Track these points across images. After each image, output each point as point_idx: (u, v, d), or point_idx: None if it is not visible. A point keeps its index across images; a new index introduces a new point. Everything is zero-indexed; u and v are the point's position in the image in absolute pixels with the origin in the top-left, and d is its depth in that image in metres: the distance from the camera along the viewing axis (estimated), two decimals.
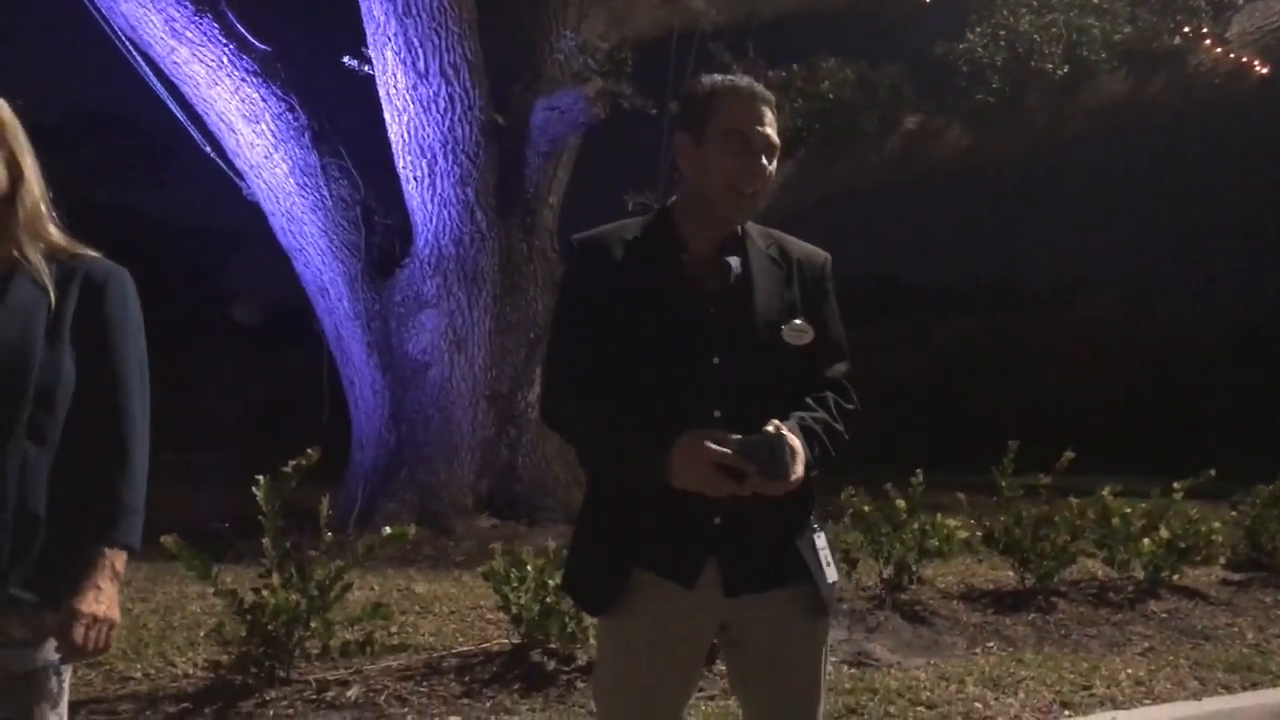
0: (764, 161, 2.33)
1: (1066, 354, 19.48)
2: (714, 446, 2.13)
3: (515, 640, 4.91)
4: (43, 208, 2.14)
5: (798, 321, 2.37)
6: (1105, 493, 6.43)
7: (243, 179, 9.09)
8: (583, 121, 8.71)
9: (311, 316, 9.62)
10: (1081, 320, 20.76)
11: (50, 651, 2.09)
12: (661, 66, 9.97)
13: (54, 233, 2.15)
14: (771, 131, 2.34)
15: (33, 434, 2.04)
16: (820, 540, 2.39)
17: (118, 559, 2.12)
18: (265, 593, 4.32)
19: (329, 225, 8.89)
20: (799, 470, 2.18)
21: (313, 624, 4.40)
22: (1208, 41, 9.88)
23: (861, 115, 10.00)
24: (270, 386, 17.81)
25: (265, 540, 4.48)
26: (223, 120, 8.74)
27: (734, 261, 2.38)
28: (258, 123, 8.62)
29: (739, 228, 2.41)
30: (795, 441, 2.18)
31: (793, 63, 10.16)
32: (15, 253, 2.08)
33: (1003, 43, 9.74)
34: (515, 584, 4.85)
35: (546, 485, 8.96)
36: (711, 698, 4.48)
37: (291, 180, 8.79)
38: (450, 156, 8.49)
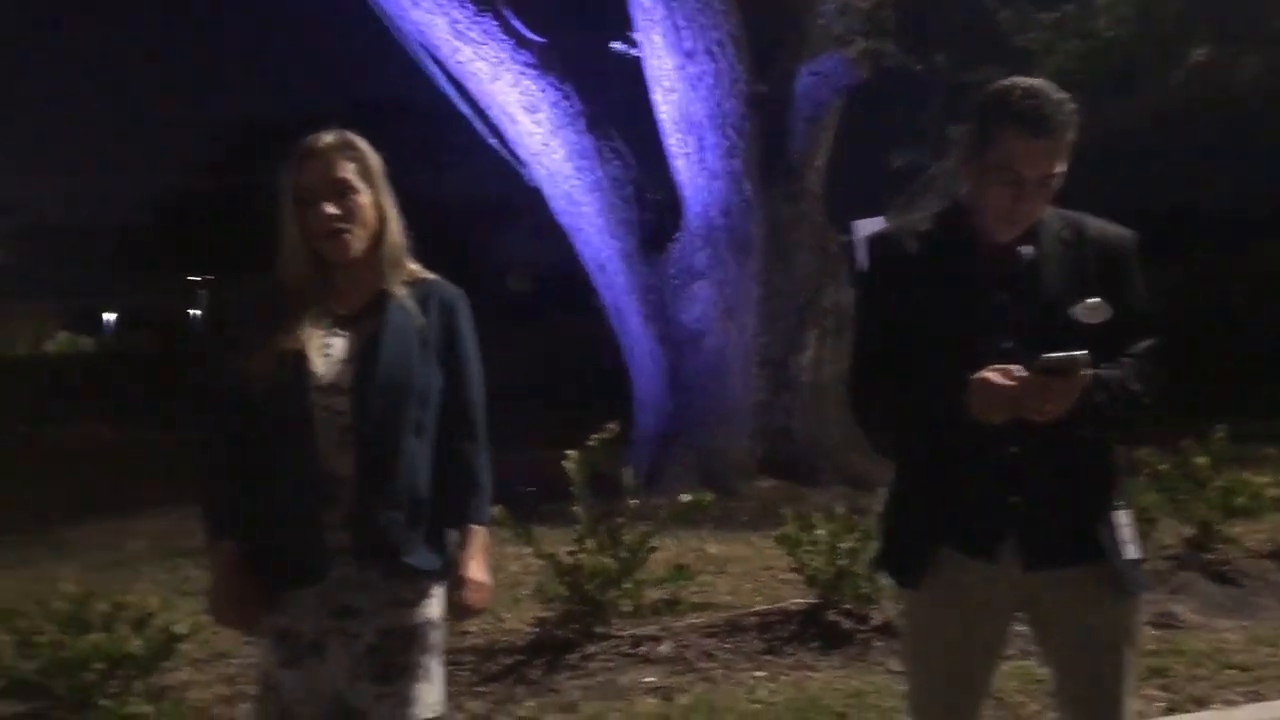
0: (1036, 198, 2.36)
1: None
2: (994, 378, 2.22)
3: (810, 600, 5.12)
4: (401, 242, 2.48)
5: (1092, 300, 2.40)
6: None
7: (525, 166, 9.65)
8: (846, 84, 8.75)
9: (591, 290, 10.13)
10: None
11: (430, 610, 2.46)
12: (924, 18, 9.82)
13: (410, 263, 2.51)
14: (1051, 166, 2.32)
15: (416, 431, 2.41)
16: (1123, 518, 2.43)
17: (483, 533, 2.48)
18: (582, 556, 4.72)
19: (604, 205, 9.32)
20: (1069, 398, 2.21)
21: (625, 584, 4.78)
22: None
23: (1142, 52, 9.47)
24: (551, 353, 18.70)
25: (578, 508, 4.90)
26: (504, 112, 9.31)
27: (1025, 249, 2.44)
28: (536, 112, 9.13)
29: None
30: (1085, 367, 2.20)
31: (1064, 1, 9.73)
32: (383, 284, 2.44)
33: None
34: (808, 547, 5.06)
35: (823, 448, 9.11)
36: (1008, 658, 4.53)
37: (569, 164, 9.26)
38: (717, 131, 8.72)
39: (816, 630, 4.91)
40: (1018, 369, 2.25)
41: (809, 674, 4.52)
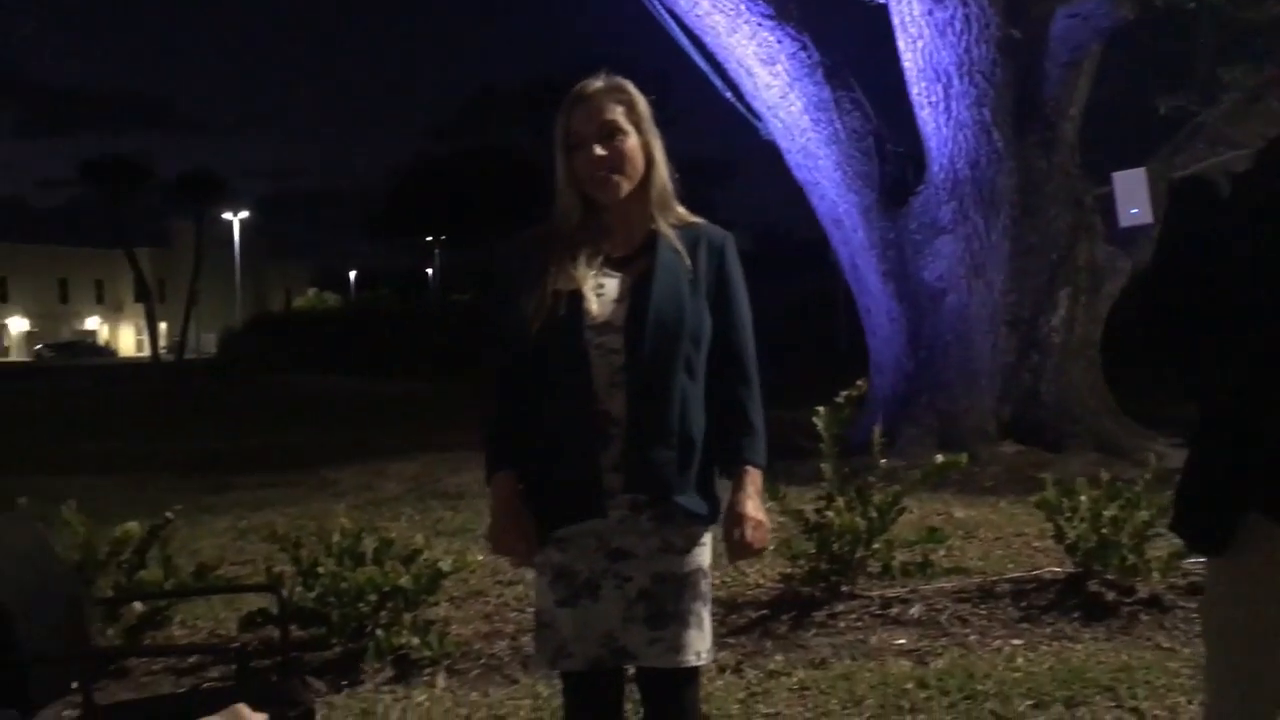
0: None
1: None
2: None
3: (1069, 569, 4.87)
4: (669, 186, 2.45)
5: None
6: None
7: (760, 119, 9.54)
8: (1108, 25, 8.20)
9: (825, 246, 9.95)
10: None
11: (701, 558, 2.44)
12: None
13: (678, 207, 2.47)
14: None
15: (688, 371, 2.39)
16: None
17: (758, 475, 2.44)
18: (830, 514, 4.64)
19: (842, 158, 9.10)
20: None
21: (875, 545, 4.67)
22: None
23: None
24: (774, 312, 18.61)
25: (824, 465, 4.82)
26: (741, 65, 9.20)
27: None
28: (774, 64, 8.98)
29: None
30: None
31: None
32: (653, 226, 2.42)
33: None
34: (1068, 514, 4.81)
35: (1073, 412, 8.67)
36: None
37: (806, 116, 9.08)
38: (966, 78, 8.35)
39: (1077, 600, 4.68)
40: None
41: (1070, 645, 4.30)
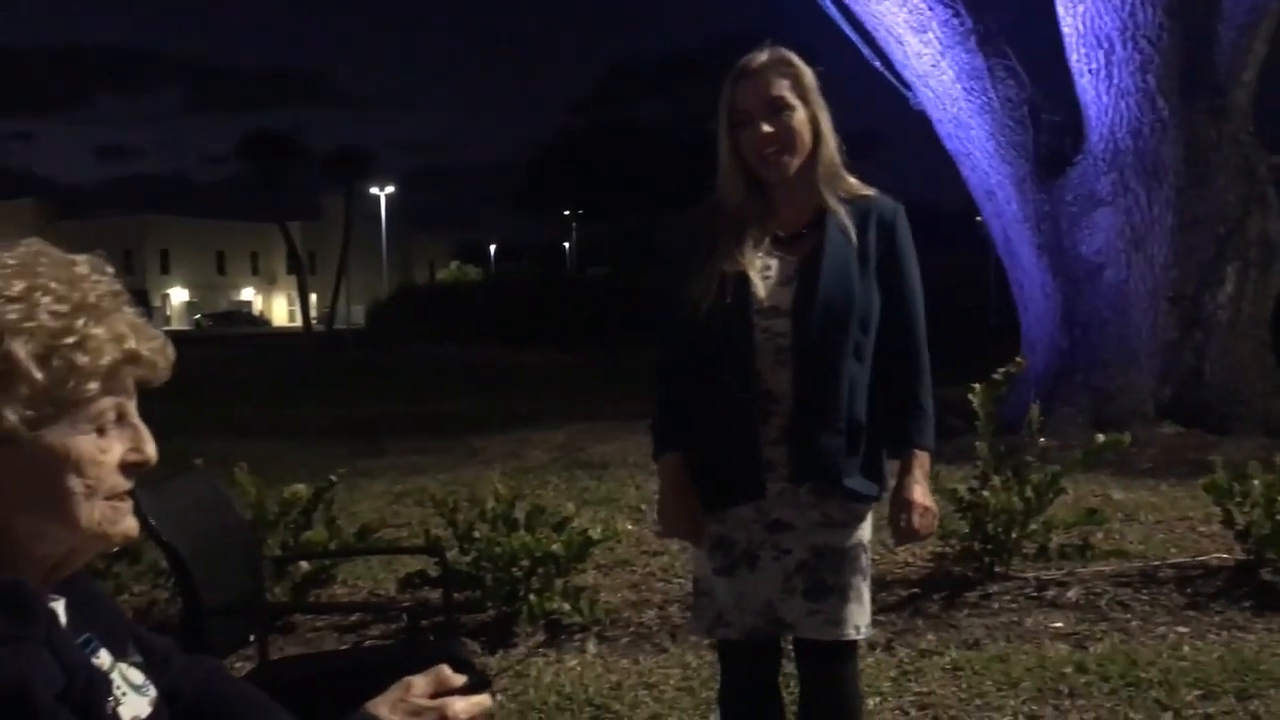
0: None
1: None
2: None
3: (1239, 556, 4.66)
4: (838, 159, 2.38)
5: None
6: None
7: (910, 89, 9.31)
8: None
9: (974, 220, 9.68)
10: None
11: (862, 533, 2.41)
12: None
13: (848, 179, 2.40)
14: None
15: (856, 354, 2.34)
16: None
17: (925, 458, 2.39)
18: (985, 493, 4.53)
19: (995, 128, 8.82)
20: None
21: (1031, 525, 4.54)
22: None
23: None
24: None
25: (979, 443, 4.70)
26: (890, 33, 8.99)
27: None
28: (925, 32, 8.74)
29: None
30: None
31: None
32: (821, 202, 2.37)
33: None
34: (1239, 499, 4.59)
35: (1239, 393, 8.26)
36: None
37: (958, 85, 8.82)
38: (1129, 43, 7.98)
39: (1247, 589, 4.48)
40: None
41: (1241, 635, 4.11)
